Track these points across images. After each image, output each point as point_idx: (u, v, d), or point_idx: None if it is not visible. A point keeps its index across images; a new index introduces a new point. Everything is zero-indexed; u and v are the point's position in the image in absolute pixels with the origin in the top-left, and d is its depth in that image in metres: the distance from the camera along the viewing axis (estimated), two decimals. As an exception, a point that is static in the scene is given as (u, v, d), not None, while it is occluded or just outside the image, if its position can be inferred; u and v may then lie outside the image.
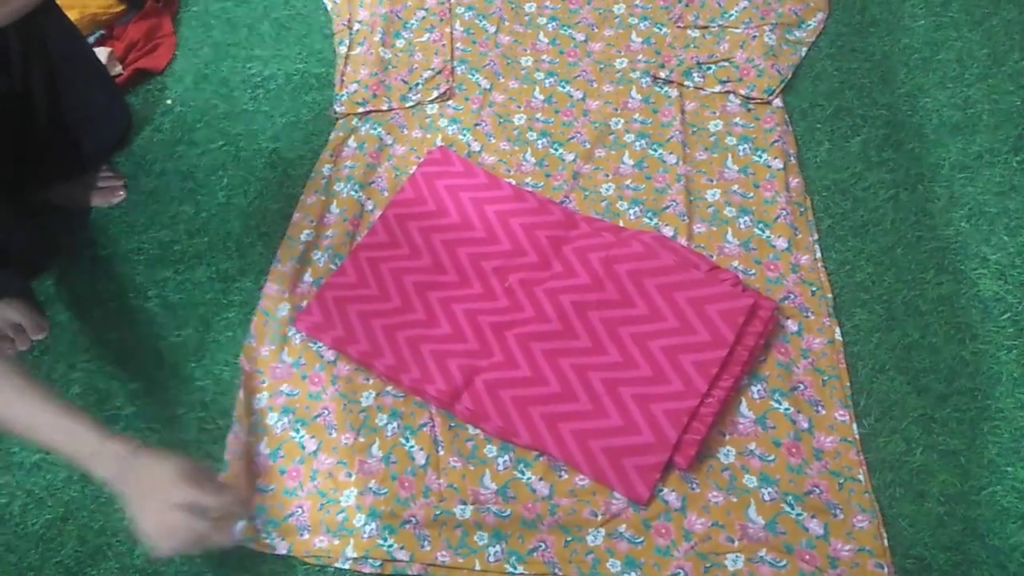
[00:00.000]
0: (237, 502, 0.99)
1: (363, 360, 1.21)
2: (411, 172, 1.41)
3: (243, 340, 1.27)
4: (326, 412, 1.19)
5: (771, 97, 1.40)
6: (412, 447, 1.15)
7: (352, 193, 1.40)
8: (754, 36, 1.46)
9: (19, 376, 0.94)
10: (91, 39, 1.65)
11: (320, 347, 1.24)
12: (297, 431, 1.18)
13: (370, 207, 1.40)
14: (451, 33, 1.59)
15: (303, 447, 1.17)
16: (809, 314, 1.19)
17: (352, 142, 1.47)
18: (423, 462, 1.14)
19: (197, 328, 1.32)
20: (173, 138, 1.54)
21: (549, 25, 1.59)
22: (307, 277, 1.31)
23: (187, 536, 0.91)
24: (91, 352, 1.31)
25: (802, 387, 1.13)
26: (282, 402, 1.20)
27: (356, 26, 1.63)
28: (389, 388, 1.20)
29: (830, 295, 1.21)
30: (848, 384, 1.13)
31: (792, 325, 1.19)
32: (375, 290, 1.29)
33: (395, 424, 1.17)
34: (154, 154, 1.52)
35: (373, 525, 1.09)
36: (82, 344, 1.32)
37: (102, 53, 1.57)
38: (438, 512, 1.08)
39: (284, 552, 1.09)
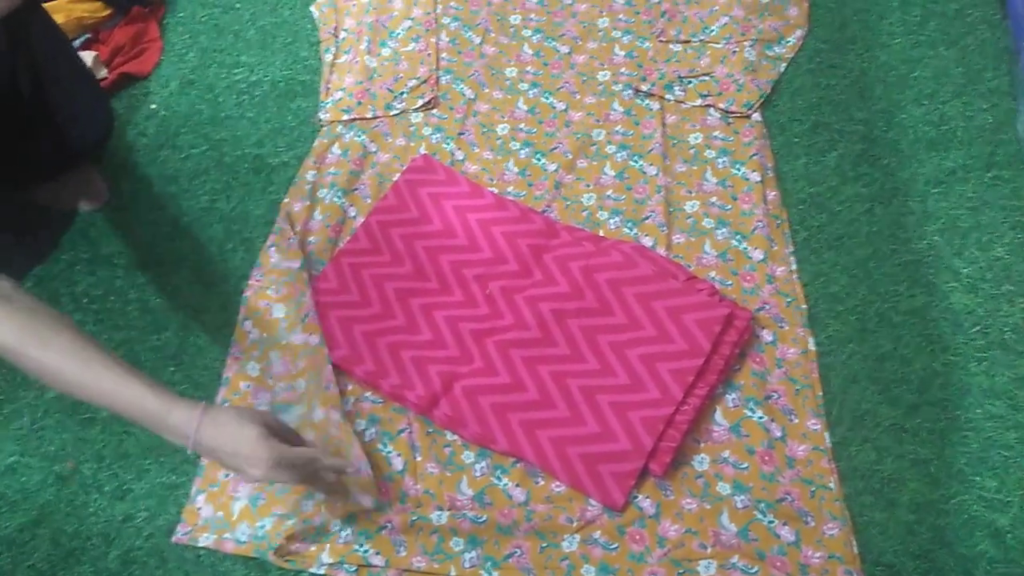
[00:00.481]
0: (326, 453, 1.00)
1: (343, 365, 1.21)
2: (394, 179, 1.42)
3: (227, 347, 1.28)
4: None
5: (750, 111, 1.42)
6: (390, 452, 1.15)
7: (335, 199, 1.40)
8: (734, 51, 1.48)
9: (85, 343, 0.90)
10: (77, 43, 1.65)
11: (300, 352, 1.25)
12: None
13: (353, 213, 1.41)
14: (436, 43, 1.60)
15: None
16: (784, 324, 1.21)
17: (336, 149, 1.48)
18: (400, 468, 1.14)
19: (177, 332, 1.32)
20: (157, 142, 1.54)
21: (534, 37, 1.60)
22: (288, 281, 1.32)
23: (300, 465, 0.93)
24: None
25: (776, 396, 1.15)
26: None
27: (342, 34, 1.64)
28: (368, 394, 1.21)
29: (804, 306, 1.23)
30: (821, 394, 1.15)
31: (767, 335, 1.20)
32: (356, 296, 1.29)
33: (373, 430, 1.17)
34: (137, 158, 1.52)
35: (349, 530, 1.09)
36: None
37: (88, 57, 1.57)
38: (414, 518, 1.09)
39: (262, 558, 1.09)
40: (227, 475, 1.15)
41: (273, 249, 1.34)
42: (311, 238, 1.37)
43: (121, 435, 1.22)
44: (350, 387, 1.21)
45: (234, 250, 1.39)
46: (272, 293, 1.29)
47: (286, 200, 1.42)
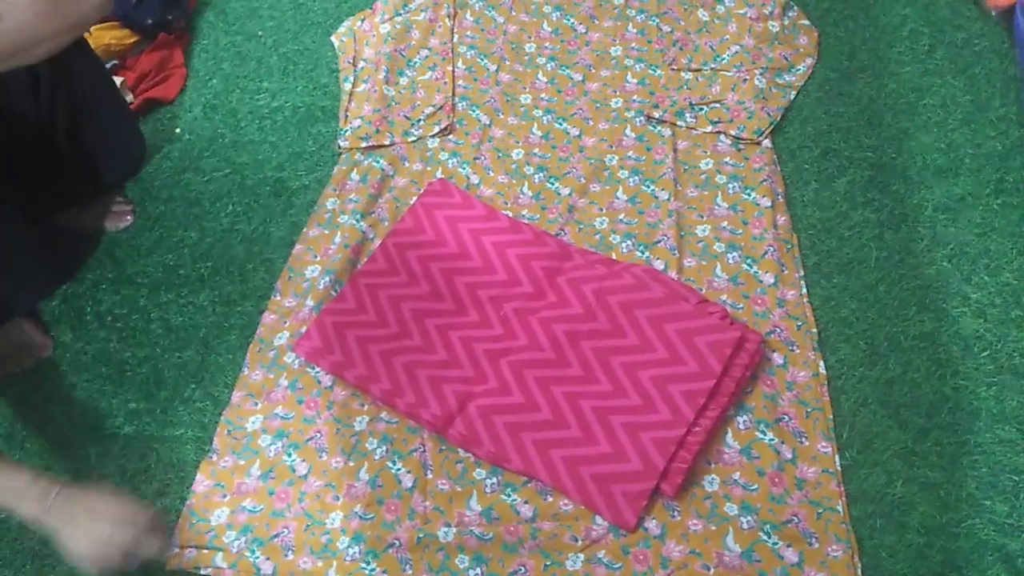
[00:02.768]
0: (159, 527, 1.04)
1: (360, 384, 1.24)
2: (411, 203, 1.46)
3: (238, 369, 1.30)
4: (319, 435, 1.21)
5: (761, 138, 1.45)
6: (399, 470, 1.17)
7: (354, 223, 1.44)
8: (745, 80, 1.51)
9: None
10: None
11: (318, 373, 1.27)
12: (289, 454, 1.20)
13: (371, 236, 1.44)
14: (453, 71, 1.64)
15: (294, 470, 1.19)
16: (794, 348, 1.22)
17: (355, 175, 1.51)
18: (410, 484, 1.16)
19: (198, 350, 1.35)
20: (181, 166, 1.58)
21: (548, 65, 1.64)
22: (308, 302, 1.34)
23: (116, 549, 0.97)
24: (93, 372, 1.34)
25: (786, 418, 1.16)
26: (277, 425, 1.23)
27: (361, 63, 1.68)
28: (383, 414, 1.23)
29: (815, 330, 1.24)
30: (831, 416, 1.16)
31: (778, 358, 1.22)
32: (373, 316, 1.32)
33: (384, 448, 1.19)
34: (162, 181, 1.56)
35: (357, 548, 1.11)
36: (84, 364, 1.35)
37: (115, 82, 1.62)
38: (421, 535, 1.10)
39: (268, 572, 1.11)
40: None
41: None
42: (331, 261, 1.40)
43: (143, 452, 1.24)
44: (365, 407, 1.24)
45: (255, 270, 1.43)
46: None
47: (305, 229, 1.45)
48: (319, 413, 1.23)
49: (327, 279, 1.36)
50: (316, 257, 1.41)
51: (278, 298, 1.38)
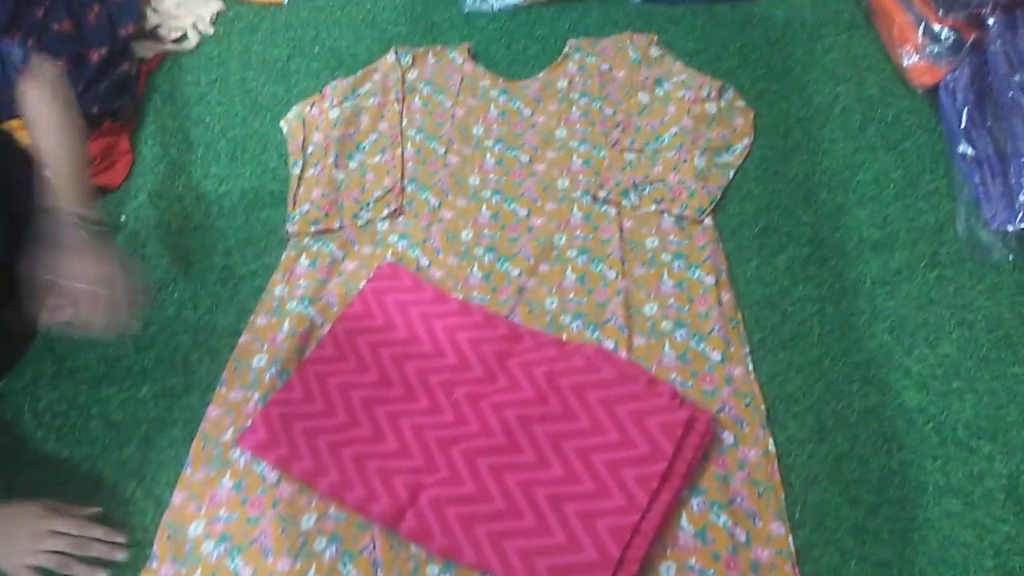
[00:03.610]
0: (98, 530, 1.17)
1: (307, 479, 1.21)
2: (361, 287, 1.45)
3: (181, 466, 1.26)
4: (263, 536, 1.17)
5: (702, 216, 1.48)
6: (350, 572, 1.14)
7: (303, 310, 1.42)
8: (685, 160, 1.55)
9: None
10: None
11: (263, 468, 1.24)
12: (232, 558, 1.16)
13: (320, 322, 1.42)
14: (402, 154, 1.66)
15: (237, 575, 1.15)
16: (744, 426, 1.23)
17: (304, 260, 1.51)
18: (363, 586, 1.13)
19: (139, 447, 1.31)
20: (126, 254, 1.56)
21: (496, 147, 1.67)
22: (255, 395, 1.32)
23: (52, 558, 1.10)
24: (29, 473, 1.28)
25: (739, 499, 1.16)
26: (219, 529, 1.19)
27: (310, 148, 1.69)
28: (331, 510, 1.20)
29: (763, 406, 1.25)
30: (783, 496, 1.16)
31: (728, 437, 1.22)
32: (321, 405, 1.30)
33: (333, 548, 1.16)
34: (105, 270, 1.53)
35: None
36: (21, 464, 1.29)
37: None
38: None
39: None
40: None
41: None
42: (279, 350, 1.38)
43: (79, 557, 1.19)
44: (313, 503, 1.20)
45: (200, 361, 1.40)
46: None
47: (252, 317, 1.43)
48: (264, 512, 1.19)
49: (274, 370, 1.34)
50: (263, 347, 1.39)
51: (223, 390, 1.35)
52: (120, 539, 1.19)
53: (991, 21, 1.46)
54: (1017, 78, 1.38)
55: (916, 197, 1.51)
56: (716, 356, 1.31)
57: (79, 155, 1.18)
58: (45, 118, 1.17)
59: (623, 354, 1.32)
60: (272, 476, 1.23)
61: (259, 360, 1.37)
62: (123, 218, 1.62)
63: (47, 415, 1.35)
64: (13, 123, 1.42)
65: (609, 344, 1.35)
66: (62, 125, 1.17)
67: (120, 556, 1.18)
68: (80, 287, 1.08)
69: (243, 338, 1.41)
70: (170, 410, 1.34)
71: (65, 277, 1.08)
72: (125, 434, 1.32)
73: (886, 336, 1.32)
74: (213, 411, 1.33)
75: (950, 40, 1.57)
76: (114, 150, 1.73)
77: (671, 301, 1.39)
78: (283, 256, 1.52)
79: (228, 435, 1.28)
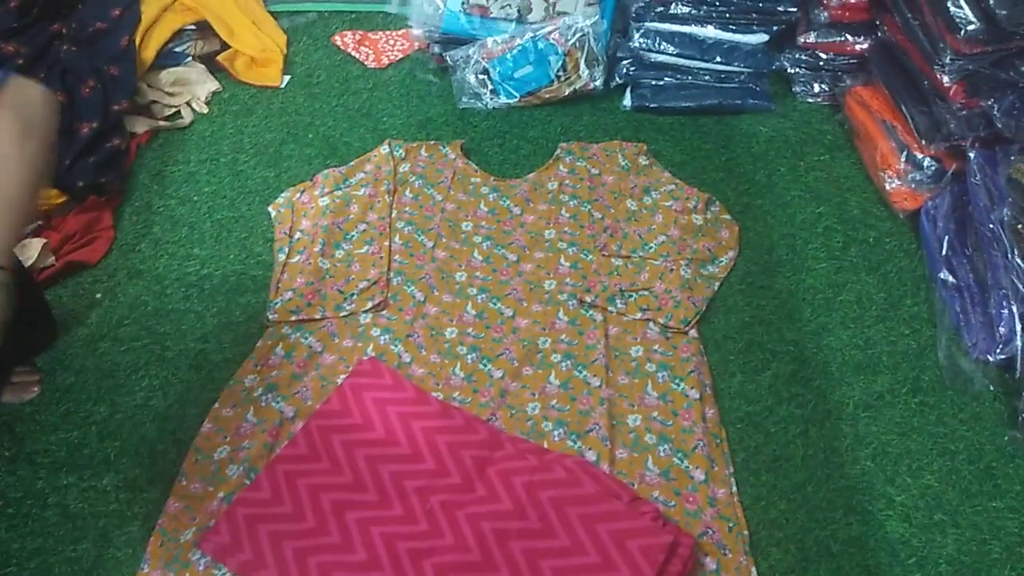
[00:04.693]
0: None
1: (270, 588, 1.15)
2: (339, 382, 1.42)
3: (138, 565, 1.20)
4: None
5: (687, 328, 1.48)
6: None
7: (273, 404, 1.38)
8: (671, 269, 1.57)
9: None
10: (28, 229, 1.65)
11: (224, 573, 1.18)
12: None
13: (291, 414, 1.38)
14: (389, 246, 1.66)
15: None
16: (727, 552, 1.20)
17: (280, 350, 1.47)
18: None
19: (95, 542, 1.24)
20: (97, 333, 1.52)
21: (484, 244, 1.67)
22: (219, 493, 1.26)
23: None
24: (-28, 567, 1.21)
25: (721, 631, 1.12)
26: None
27: (297, 235, 1.68)
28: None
29: (746, 532, 1.23)
30: (766, 630, 1.13)
31: (711, 563, 1.19)
32: (290, 508, 1.25)
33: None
34: (76, 350, 1.49)
35: None
36: (-36, 557, 1.22)
37: (36, 244, 1.58)
38: None
39: None
40: None
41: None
42: (245, 443, 1.34)
43: None
44: (275, 616, 1.14)
45: (165, 452, 1.35)
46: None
47: (216, 406, 1.39)
48: (222, 625, 1.13)
49: (241, 468, 1.29)
50: (226, 438, 1.34)
51: (184, 483, 1.29)
52: None
53: (972, 154, 1.51)
54: (997, 212, 1.42)
55: (898, 321, 1.52)
56: (700, 475, 1.28)
57: (11, 195, 0.99)
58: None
59: (605, 467, 1.30)
60: (233, 584, 1.17)
61: (221, 452, 1.32)
62: (98, 296, 1.59)
63: (0, 502, 1.28)
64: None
65: (591, 455, 1.32)
66: (7, 156, 1.00)
67: None
68: None
69: (205, 427, 1.36)
70: (131, 504, 1.28)
71: None
72: (82, 527, 1.25)
73: (869, 463, 1.31)
74: (172, 505, 1.27)
75: (932, 169, 1.62)
76: (96, 226, 1.70)
77: (655, 414, 1.37)
78: (258, 344, 1.49)
79: (189, 534, 1.22)
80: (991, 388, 1.39)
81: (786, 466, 1.31)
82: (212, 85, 2.06)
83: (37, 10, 1.91)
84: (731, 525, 1.23)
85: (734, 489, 1.28)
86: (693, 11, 1.91)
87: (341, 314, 1.54)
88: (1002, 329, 1.38)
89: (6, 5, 1.89)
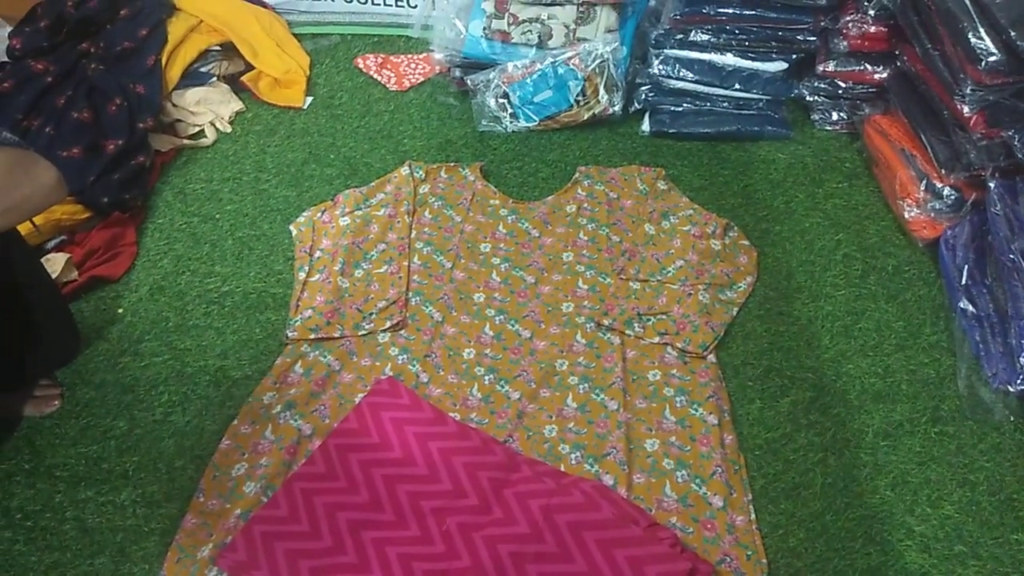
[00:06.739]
0: None
1: (286, 607, 1.15)
2: (357, 401, 1.42)
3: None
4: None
5: (705, 352, 1.48)
6: None
7: (291, 421, 1.39)
8: (689, 294, 1.57)
9: None
10: (51, 244, 1.68)
11: (241, 591, 1.18)
12: None
13: (308, 431, 1.39)
14: (408, 266, 1.67)
15: None
16: (745, 580, 1.19)
17: (299, 368, 1.48)
18: None
19: (112, 557, 1.24)
20: (119, 348, 1.53)
21: (502, 265, 1.68)
22: (236, 510, 1.27)
23: None
24: (-10, 579, 1.22)
25: (739, 661, 1.11)
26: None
27: (318, 254, 1.70)
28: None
29: (764, 560, 1.22)
30: (784, 661, 1.12)
31: (729, 591, 1.18)
32: (307, 526, 1.25)
33: None
34: (96, 364, 1.50)
35: None
36: (-18, 569, 1.23)
37: (59, 259, 1.60)
38: None
39: None
40: None
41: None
42: (263, 460, 1.34)
43: None
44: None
45: (183, 468, 1.35)
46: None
47: (235, 422, 1.40)
48: (239, 643, 1.13)
49: (259, 485, 1.29)
50: (244, 455, 1.35)
51: (201, 499, 1.30)
52: None
53: (992, 184, 1.51)
54: (1017, 243, 1.42)
55: (917, 349, 1.52)
56: (718, 502, 1.28)
57: None
58: None
59: (622, 491, 1.29)
60: (249, 602, 1.17)
61: (239, 469, 1.33)
62: (120, 311, 1.60)
63: (18, 515, 1.29)
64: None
65: (608, 479, 1.31)
66: None
67: None
68: None
69: (223, 443, 1.37)
70: (148, 519, 1.28)
71: None
72: (99, 542, 1.26)
73: (888, 492, 1.30)
74: (190, 521, 1.27)
75: (952, 198, 1.62)
76: (119, 241, 1.72)
77: (673, 439, 1.37)
78: (277, 361, 1.50)
79: (206, 551, 1.22)
80: (1011, 418, 1.38)
81: (805, 494, 1.30)
82: (236, 105, 2.09)
83: (67, 30, 1.96)
84: (750, 553, 1.22)
85: (753, 516, 1.27)
86: (713, 39, 1.92)
87: (360, 333, 1.54)
88: (1022, 359, 1.37)
89: (36, 25, 1.93)
